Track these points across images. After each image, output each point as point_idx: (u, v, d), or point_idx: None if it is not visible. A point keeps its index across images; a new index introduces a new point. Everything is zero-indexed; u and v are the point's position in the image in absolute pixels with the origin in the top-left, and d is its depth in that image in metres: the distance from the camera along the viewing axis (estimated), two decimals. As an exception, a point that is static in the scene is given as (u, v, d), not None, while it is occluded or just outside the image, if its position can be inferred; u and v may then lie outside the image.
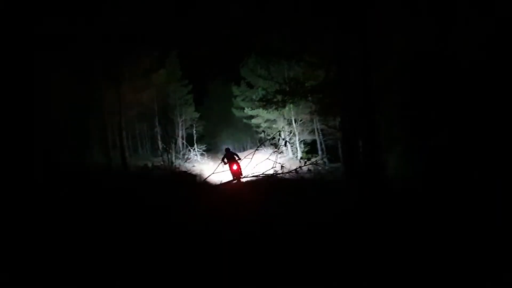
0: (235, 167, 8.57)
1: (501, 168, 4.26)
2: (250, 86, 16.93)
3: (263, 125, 16.72)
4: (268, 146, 15.40)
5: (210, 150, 22.29)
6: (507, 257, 2.43)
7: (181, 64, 18.45)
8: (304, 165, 5.74)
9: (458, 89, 5.47)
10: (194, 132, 20.03)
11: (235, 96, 18.14)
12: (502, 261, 2.40)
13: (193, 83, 19.43)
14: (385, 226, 3.35)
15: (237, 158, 8.73)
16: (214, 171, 5.82)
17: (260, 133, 17.74)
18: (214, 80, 24.42)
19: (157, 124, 17.05)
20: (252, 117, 16.86)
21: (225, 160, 8.53)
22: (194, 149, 17.20)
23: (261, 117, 16.15)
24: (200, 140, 21.27)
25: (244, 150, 21.46)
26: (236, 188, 6.54)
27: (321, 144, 14.44)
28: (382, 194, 5.22)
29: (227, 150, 9.25)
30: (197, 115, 20.63)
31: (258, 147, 9.44)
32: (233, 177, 8.34)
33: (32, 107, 6.44)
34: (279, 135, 14.88)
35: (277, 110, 14.50)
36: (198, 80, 21.51)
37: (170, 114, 18.50)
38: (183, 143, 17.68)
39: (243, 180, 7.55)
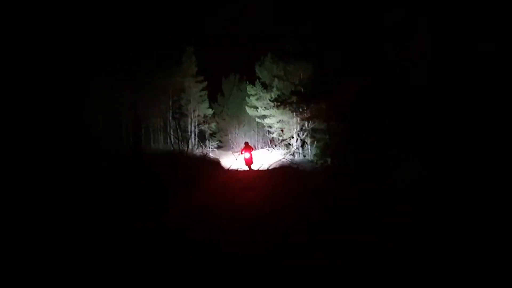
0: (247, 155, 10.48)
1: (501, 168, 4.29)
2: (265, 85, 16.90)
3: (276, 125, 16.66)
4: (282, 146, 15.34)
5: (221, 147, 22.37)
6: (507, 257, 2.41)
7: (197, 61, 18.57)
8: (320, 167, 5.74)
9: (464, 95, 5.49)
10: (207, 128, 20.15)
11: (249, 95, 18.14)
12: (502, 261, 2.37)
13: (208, 80, 19.55)
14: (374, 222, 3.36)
15: (252, 150, 10.81)
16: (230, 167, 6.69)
17: (272, 133, 17.67)
18: (228, 78, 24.44)
19: (170, 119, 17.20)
20: (265, 116, 16.83)
21: (243, 151, 10.64)
22: (206, 145, 17.29)
23: (274, 117, 16.10)
24: (212, 137, 21.38)
25: (255, 149, 21.45)
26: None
27: (331, 146, 14.26)
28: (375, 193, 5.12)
29: (246, 143, 11.35)
30: (210, 111, 20.73)
31: (274, 147, 11.11)
32: (246, 164, 10.48)
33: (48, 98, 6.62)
34: (298, 135, 14.82)
35: (291, 111, 14.46)
36: (213, 77, 21.62)
37: (184, 109, 18.65)
38: (195, 139, 17.80)
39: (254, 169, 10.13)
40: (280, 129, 16.53)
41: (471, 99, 5.38)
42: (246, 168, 10.46)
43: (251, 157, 10.46)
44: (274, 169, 9.58)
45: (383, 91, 7.31)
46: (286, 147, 15.28)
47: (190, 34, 14.28)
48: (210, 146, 17.17)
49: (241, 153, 10.59)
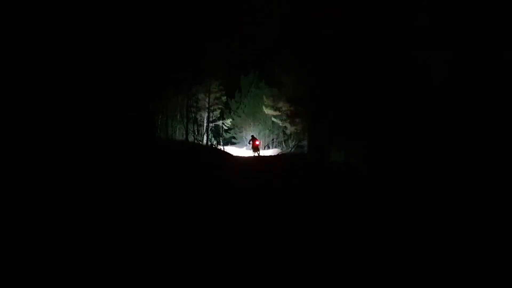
0: (257, 142, 15.32)
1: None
2: (283, 85, 16.77)
3: (291, 126, 16.54)
4: (294, 148, 15.27)
5: (234, 144, 22.45)
6: (507, 257, 2.41)
7: (217, 56, 18.56)
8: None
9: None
10: (222, 124, 20.25)
11: (267, 94, 18.08)
12: (502, 261, 2.37)
13: (226, 76, 19.54)
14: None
15: (257, 141, 15.66)
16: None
17: (287, 134, 17.57)
18: (247, 75, 24.41)
19: (186, 113, 17.33)
20: (281, 116, 16.75)
21: (250, 142, 15.50)
22: (219, 141, 17.37)
23: (290, 117, 15.99)
24: (226, 133, 21.44)
25: (269, 148, 21.40)
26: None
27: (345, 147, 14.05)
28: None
29: (252, 136, 16.11)
30: (227, 108, 20.80)
31: (291, 149, 13.28)
32: (253, 150, 15.22)
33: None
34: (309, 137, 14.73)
35: (306, 112, 14.32)
36: (232, 74, 21.62)
37: (201, 104, 18.77)
38: (210, 134, 17.91)
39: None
40: (295, 129, 16.43)
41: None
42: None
43: (259, 144, 15.61)
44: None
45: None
46: (301, 148, 15.18)
47: (211, 29, 14.26)
48: (223, 142, 17.24)
49: (249, 143, 15.81)
